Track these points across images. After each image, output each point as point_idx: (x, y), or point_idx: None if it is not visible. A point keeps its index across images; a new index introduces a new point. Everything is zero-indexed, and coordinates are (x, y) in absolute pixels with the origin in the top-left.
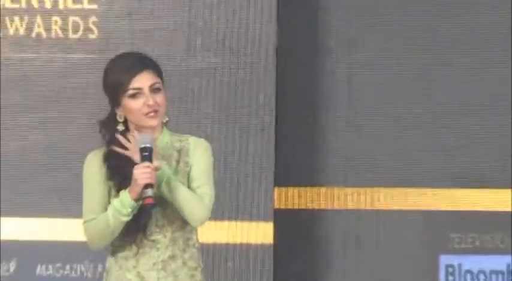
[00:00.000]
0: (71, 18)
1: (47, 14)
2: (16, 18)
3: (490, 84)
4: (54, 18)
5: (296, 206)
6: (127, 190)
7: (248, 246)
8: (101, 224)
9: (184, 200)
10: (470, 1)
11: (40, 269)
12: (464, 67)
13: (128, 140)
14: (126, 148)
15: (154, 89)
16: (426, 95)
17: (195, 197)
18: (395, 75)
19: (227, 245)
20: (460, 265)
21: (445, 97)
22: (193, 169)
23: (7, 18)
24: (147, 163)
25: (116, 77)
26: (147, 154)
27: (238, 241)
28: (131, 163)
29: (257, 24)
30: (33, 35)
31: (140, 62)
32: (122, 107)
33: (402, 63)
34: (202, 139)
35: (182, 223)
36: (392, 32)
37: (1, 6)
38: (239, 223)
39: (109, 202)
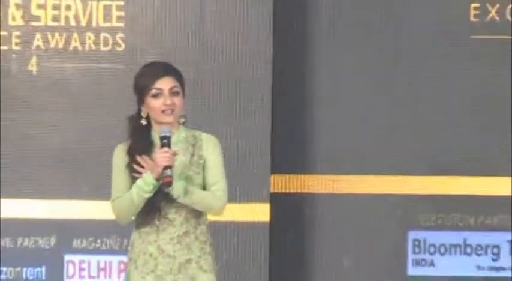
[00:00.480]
0: (102, 35)
1: (82, 31)
2: (56, 34)
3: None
4: (88, 34)
5: (288, 190)
6: (148, 173)
7: (248, 224)
8: (126, 201)
9: (202, 201)
10: None
11: (76, 243)
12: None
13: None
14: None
15: (173, 92)
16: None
17: (208, 195)
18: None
19: (231, 222)
20: (425, 240)
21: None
22: (207, 165)
23: (49, 34)
24: (166, 148)
25: (143, 79)
26: (165, 141)
27: (240, 219)
28: (148, 155)
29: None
30: (71, 48)
31: (164, 68)
32: (146, 104)
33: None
34: (213, 136)
35: (190, 211)
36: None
37: (45, 24)
38: (241, 205)
39: (130, 185)
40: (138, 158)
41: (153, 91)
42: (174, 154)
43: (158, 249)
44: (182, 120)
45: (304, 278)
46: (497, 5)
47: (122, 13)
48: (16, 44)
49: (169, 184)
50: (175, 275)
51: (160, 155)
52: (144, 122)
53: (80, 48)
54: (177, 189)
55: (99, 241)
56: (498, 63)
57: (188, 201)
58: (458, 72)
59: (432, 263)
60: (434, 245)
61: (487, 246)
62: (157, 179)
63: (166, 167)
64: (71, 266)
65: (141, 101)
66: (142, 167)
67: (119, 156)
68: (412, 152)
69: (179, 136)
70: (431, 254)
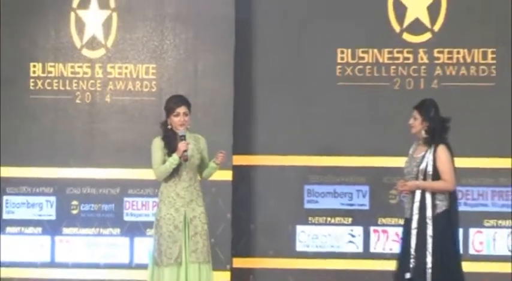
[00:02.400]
0: (145, 83)
1: (123, 81)
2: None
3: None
4: (130, 86)
5: (243, 163)
6: (175, 153)
7: (219, 181)
8: (163, 168)
9: (208, 173)
10: None
11: (131, 191)
12: None
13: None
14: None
15: (185, 113)
16: None
17: (210, 170)
18: None
19: (213, 180)
20: (313, 189)
21: None
22: (202, 152)
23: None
24: (185, 141)
25: (170, 105)
26: (183, 137)
27: (217, 178)
28: (174, 143)
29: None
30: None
31: (181, 100)
32: (170, 119)
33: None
34: (203, 136)
35: (195, 172)
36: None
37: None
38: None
39: (162, 159)
40: (180, 145)
41: (175, 113)
42: (188, 144)
43: (176, 194)
44: (187, 128)
45: (250, 211)
46: None
47: None
48: None
49: (186, 159)
50: (185, 207)
51: (181, 145)
52: (169, 126)
53: (132, 88)
54: (191, 163)
55: (142, 191)
56: None
57: (193, 168)
58: None
59: (317, 202)
60: (317, 192)
61: (346, 193)
62: (180, 157)
63: (184, 151)
64: (129, 205)
65: (167, 116)
66: (174, 150)
67: (157, 142)
68: (306, 138)
69: (188, 136)
70: (316, 197)
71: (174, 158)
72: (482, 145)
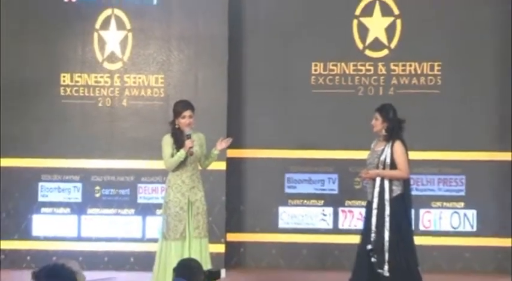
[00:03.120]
0: (154, 90)
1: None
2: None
3: None
4: (142, 93)
5: (235, 156)
6: (182, 149)
7: (216, 170)
8: (173, 161)
9: (208, 162)
10: None
11: (143, 179)
12: None
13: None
14: (183, 142)
15: (190, 116)
16: None
17: (210, 159)
18: None
19: (210, 170)
20: (292, 177)
21: None
22: (203, 147)
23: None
24: (190, 139)
25: (178, 109)
26: (189, 136)
27: (214, 168)
28: (181, 140)
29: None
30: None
31: (187, 105)
32: (178, 120)
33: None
34: (203, 134)
35: (197, 164)
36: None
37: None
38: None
39: (171, 153)
40: (186, 143)
41: (182, 115)
42: (193, 141)
43: (182, 181)
44: (192, 127)
45: (241, 195)
46: None
47: None
48: None
49: (191, 154)
50: (188, 192)
51: (188, 142)
52: (176, 126)
53: (144, 94)
54: (194, 156)
55: (153, 178)
56: None
57: (195, 160)
58: None
59: (295, 187)
60: (296, 180)
61: (319, 180)
62: (186, 153)
63: (190, 147)
64: (142, 189)
65: (175, 117)
66: (182, 145)
67: (167, 139)
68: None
69: (193, 134)
70: (295, 183)
71: (182, 153)
72: (430, 141)
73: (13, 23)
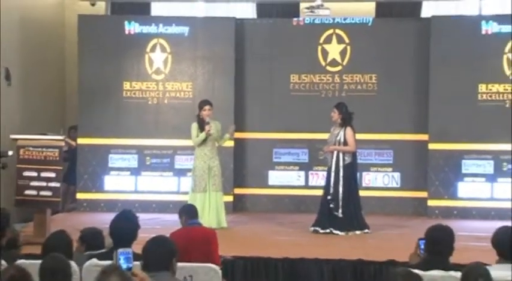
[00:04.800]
0: (185, 93)
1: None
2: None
3: None
4: (178, 95)
5: (240, 137)
6: (204, 132)
7: (226, 147)
8: (197, 140)
9: (223, 141)
10: None
11: (179, 152)
12: None
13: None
14: (204, 127)
15: (209, 109)
16: None
17: (223, 139)
18: None
19: (223, 147)
20: (277, 152)
21: None
22: (219, 131)
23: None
24: (209, 125)
25: (201, 105)
26: (208, 123)
27: (226, 146)
28: (203, 126)
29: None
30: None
31: (207, 102)
32: (201, 112)
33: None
34: (218, 121)
35: (214, 142)
36: None
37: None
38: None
39: (197, 134)
40: (206, 127)
41: (203, 109)
42: (211, 126)
43: (204, 153)
44: (210, 117)
45: (243, 163)
46: None
47: None
48: None
49: (210, 135)
50: (209, 161)
51: (207, 127)
52: (200, 116)
53: (175, 96)
54: (212, 136)
55: (187, 151)
56: None
57: (213, 139)
58: None
59: (280, 158)
60: (280, 152)
61: (295, 153)
62: (206, 134)
63: (208, 130)
64: (177, 159)
65: (199, 110)
66: (204, 129)
67: (194, 125)
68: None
69: (211, 122)
70: (279, 155)
71: (203, 135)
72: (370, 127)
73: (90, 46)
